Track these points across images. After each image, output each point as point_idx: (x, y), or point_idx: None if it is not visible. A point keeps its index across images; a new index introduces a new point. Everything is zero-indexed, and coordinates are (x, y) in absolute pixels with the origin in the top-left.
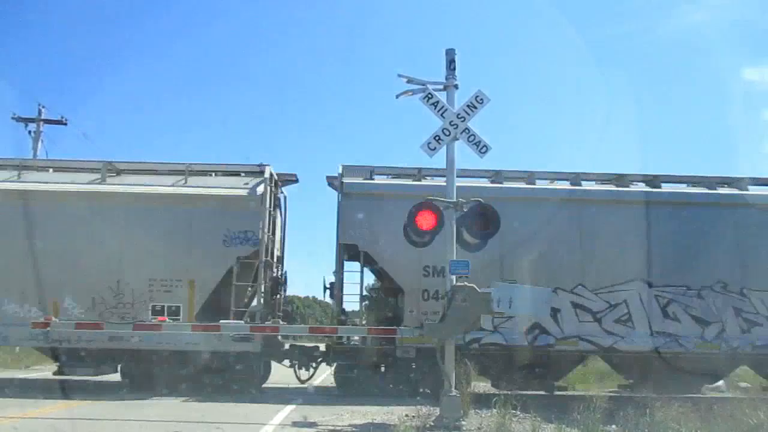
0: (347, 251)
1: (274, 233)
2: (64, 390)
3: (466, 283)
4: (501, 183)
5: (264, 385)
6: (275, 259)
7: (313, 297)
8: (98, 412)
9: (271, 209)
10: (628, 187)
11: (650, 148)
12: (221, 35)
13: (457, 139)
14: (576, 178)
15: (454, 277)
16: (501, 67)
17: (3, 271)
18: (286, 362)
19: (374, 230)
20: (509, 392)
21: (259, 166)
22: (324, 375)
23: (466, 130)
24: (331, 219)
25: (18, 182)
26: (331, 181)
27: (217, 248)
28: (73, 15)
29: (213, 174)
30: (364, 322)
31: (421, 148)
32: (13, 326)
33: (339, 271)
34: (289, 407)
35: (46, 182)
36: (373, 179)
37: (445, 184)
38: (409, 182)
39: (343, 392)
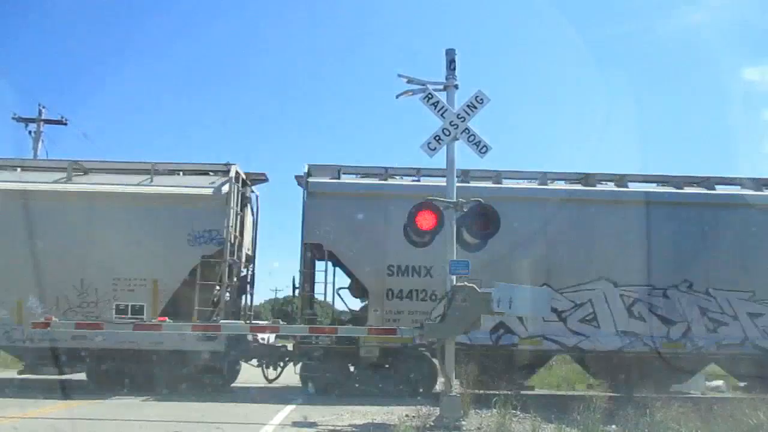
0: (314, 250)
1: (242, 233)
2: (64, 390)
3: (466, 283)
4: (468, 183)
5: (232, 385)
6: (244, 259)
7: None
8: (98, 412)
9: (238, 208)
10: (594, 186)
11: (650, 148)
12: (221, 35)
13: (457, 139)
14: (543, 178)
15: (454, 277)
16: (501, 67)
17: None
18: (254, 362)
19: (339, 229)
20: (509, 392)
21: (225, 165)
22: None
23: (466, 130)
24: None
25: None
26: (299, 180)
27: (181, 248)
28: (73, 15)
29: (181, 173)
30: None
31: (421, 148)
32: None
33: (304, 271)
34: (289, 407)
35: (11, 181)
36: (340, 178)
37: (410, 183)
38: (376, 181)
39: (311, 391)
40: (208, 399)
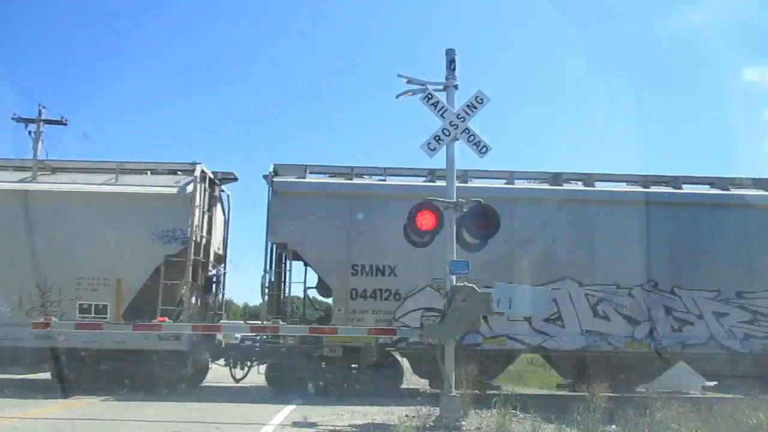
0: (280, 250)
1: (210, 232)
2: (64, 390)
3: (466, 283)
4: (433, 182)
5: (202, 384)
6: (213, 258)
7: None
8: (98, 412)
9: (205, 208)
10: (561, 185)
11: (650, 148)
12: (221, 35)
13: (457, 140)
14: (510, 177)
15: (454, 277)
16: (501, 67)
17: None
18: (221, 361)
19: (303, 229)
20: (509, 392)
21: (191, 164)
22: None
23: (466, 130)
24: None
25: None
26: (266, 179)
27: (144, 247)
28: (73, 15)
29: (149, 172)
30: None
31: (421, 149)
32: None
33: (271, 271)
34: (289, 407)
35: None
36: (306, 178)
37: (375, 182)
38: (340, 180)
39: (277, 390)
40: (208, 399)
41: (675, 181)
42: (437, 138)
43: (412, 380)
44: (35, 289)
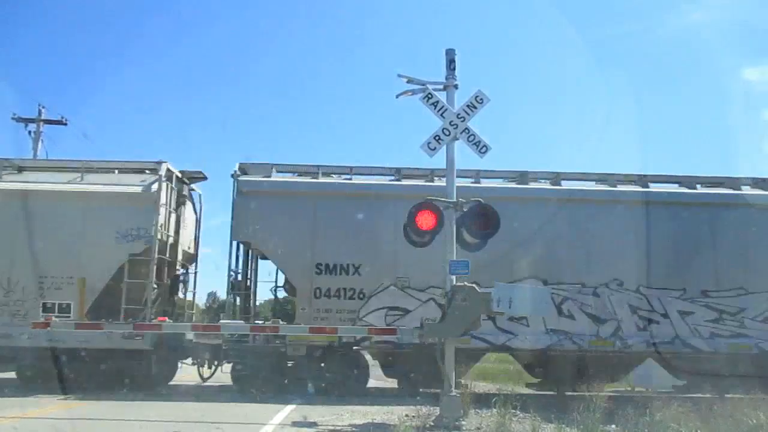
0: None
1: (178, 231)
2: (65, 390)
3: (466, 283)
4: (399, 180)
5: (170, 383)
6: (181, 257)
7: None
8: (98, 412)
9: (172, 207)
10: (527, 184)
11: (650, 148)
12: (221, 35)
13: (457, 139)
14: (477, 176)
15: (454, 277)
16: (501, 67)
17: None
18: (189, 360)
19: (267, 227)
20: (509, 392)
21: (157, 163)
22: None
23: (466, 130)
24: None
25: None
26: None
27: (108, 246)
28: (73, 15)
29: (116, 171)
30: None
31: (421, 148)
32: None
33: (237, 269)
34: (289, 407)
35: None
36: (271, 176)
37: (341, 181)
38: (305, 179)
39: (240, 389)
40: (208, 399)
41: (642, 180)
42: (437, 138)
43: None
44: None
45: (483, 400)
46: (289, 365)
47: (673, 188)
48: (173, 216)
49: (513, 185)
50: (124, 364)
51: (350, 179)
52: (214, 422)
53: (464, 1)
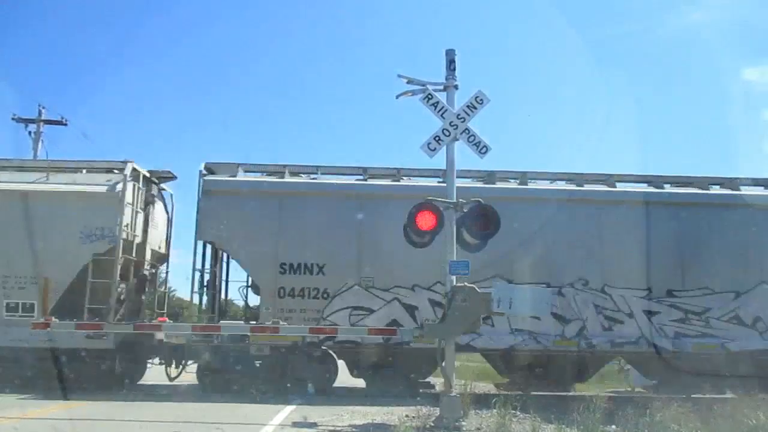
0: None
1: (146, 231)
2: (65, 390)
3: (466, 283)
4: (366, 180)
5: (139, 382)
6: (149, 257)
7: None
8: (98, 412)
9: (138, 206)
10: (494, 183)
11: (650, 148)
12: (221, 35)
13: (457, 140)
14: (443, 175)
15: (454, 278)
16: (501, 67)
17: None
18: (156, 360)
19: (232, 227)
20: (509, 392)
21: (122, 162)
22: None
23: (466, 131)
24: None
25: None
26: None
27: (72, 245)
28: (72, 15)
29: (84, 171)
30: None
31: (421, 149)
32: None
33: (203, 269)
34: (289, 407)
35: None
36: (237, 176)
37: (306, 181)
38: (270, 179)
39: (207, 390)
40: (208, 399)
41: (610, 180)
42: (437, 138)
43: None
44: None
45: (483, 401)
46: (257, 365)
47: (642, 188)
48: (140, 216)
49: (480, 185)
50: (87, 364)
51: (316, 178)
52: (214, 422)
53: (464, 1)
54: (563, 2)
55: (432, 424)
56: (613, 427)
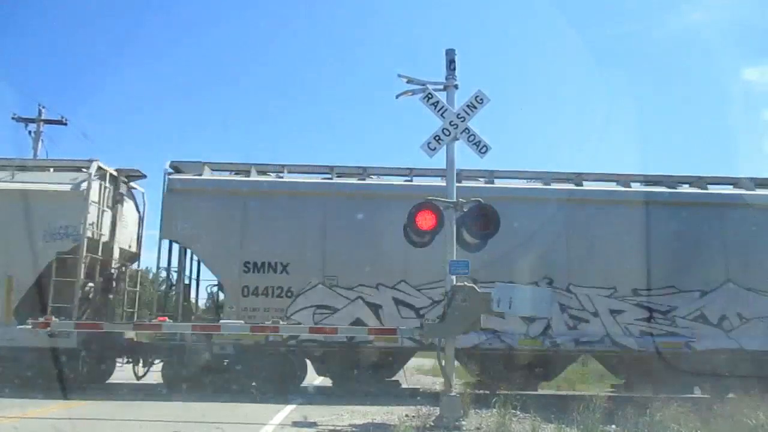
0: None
1: (114, 229)
2: (65, 390)
3: (465, 283)
4: (331, 179)
5: (107, 381)
6: (117, 256)
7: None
8: (98, 412)
9: (105, 205)
10: (461, 183)
11: (650, 148)
12: (221, 35)
13: (457, 139)
14: (410, 174)
15: (454, 277)
16: (501, 67)
17: None
18: (122, 359)
19: (196, 226)
20: (509, 392)
21: (87, 161)
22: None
23: (466, 130)
24: None
25: None
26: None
27: (35, 244)
28: (73, 15)
29: (51, 170)
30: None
31: (421, 148)
32: None
33: (169, 267)
34: (289, 407)
35: None
36: (202, 175)
37: (271, 180)
38: (238, 178)
39: (172, 389)
40: (208, 399)
41: (577, 178)
42: (437, 138)
43: (411, 380)
44: None
45: (483, 400)
46: (225, 364)
47: (608, 186)
48: (107, 214)
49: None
50: (51, 364)
51: (282, 177)
52: (214, 422)
53: (464, 1)
54: (563, 2)
55: (432, 424)
56: (613, 426)
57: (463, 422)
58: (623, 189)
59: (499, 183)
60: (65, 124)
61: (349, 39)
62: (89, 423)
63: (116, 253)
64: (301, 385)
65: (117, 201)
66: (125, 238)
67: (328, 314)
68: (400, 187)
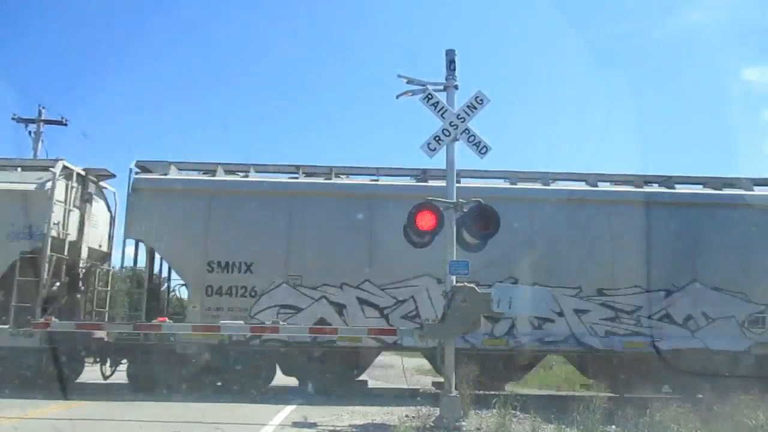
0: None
1: (82, 229)
2: (65, 391)
3: (465, 283)
4: (298, 178)
5: (78, 381)
6: (85, 255)
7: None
8: (98, 412)
9: (72, 204)
10: (426, 182)
11: (650, 148)
12: (221, 35)
13: (457, 140)
14: (377, 172)
15: (454, 278)
16: (501, 68)
17: None
18: (90, 358)
19: (160, 225)
20: (508, 392)
21: (53, 160)
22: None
23: (466, 131)
24: None
25: None
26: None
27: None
28: (72, 15)
29: (18, 169)
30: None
31: (421, 149)
32: None
33: (134, 266)
34: (290, 407)
35: None
36: (168, 174)
37: (236, 179)
38: (203, 177)
39: (135, 388)
40: (208, 399)
41: (545, 178)
42: (437, 138)
43: (412, 380)
44: None
45: (483, 401)
46: (191, 363)
47: (577, 186)
48: (75, 214)
49: (412, 182)
50: (13, 364)
51: (247, 176)
52: (213, 422)
53: (464, 1)
54: (563, 2)
55: (432, 424)
56: (613, 427)
57: (463, 423)
58: (589, 188)
59: (465, 182)
60: (65, 125)
61: (349, 39)
62: (89, 423)
63: (84, 253)
64: (269, 385)
65: (86, 200)
66: (95, 238)
67: (291, 314)
68: (365, 187)
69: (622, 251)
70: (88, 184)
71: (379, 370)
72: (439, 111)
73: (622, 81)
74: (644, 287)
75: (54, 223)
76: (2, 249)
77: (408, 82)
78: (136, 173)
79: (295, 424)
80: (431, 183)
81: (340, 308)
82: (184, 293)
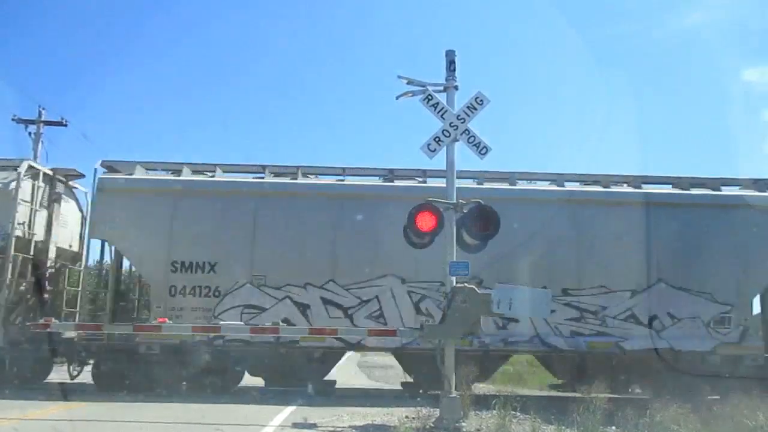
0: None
1: (49, 230)
2: (64, 391)
3: (465, 284)
4: (264, 177)
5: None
6: (53, 255)
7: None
8: (98, 413)
9: (39, 204)
10: (393, 182)
11: (650, 148)
12: (221, 35)
13: (457, 141)
14: (343, 173)
15: (453, 278)
16: (501, 68)
17: None
18: (58, 359)
19: (124, 226)
20: (508, 393)
21: (19, 160)
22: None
23: (466, 131)
24: None
25: None
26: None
27: None
28: (72, 15)
29: None
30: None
31: (421, 150)
32: None
33: (102, 265)
34: (289, 408)
35: None
36: (133, 174)
37: (201, 179)
38: (167, 177)
39: (99, 389)
40: (208, 400)
41: (511, 177)
42: (437, 139)
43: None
44: None
45: (483, 401)
46: (158, 363)
47: (542, 186)
48: (42, 213)
49: (381, 182)
50: None
51: (213, 176)
52: (213, 423)
53: (464, 1)
54: (563, 2)
55: (432, 425)
56: (613, 428)
57: (463, 423)
58: (555, 188)
59: (431, 182)
60: (65, 126)
61: (349, 39)
62: (89, 424)
63: (52, 253)
64: (238, 385)
65: (54, 200)
66: (64, 238)
67: (255, 314)
68: (330, 186)
69: (586, 251)
70: (56, 184)
71: (379, 370)
72: (439, 112)
73: (622, 81)
74: (609, 287)
75: (19, 223)
76: None
77: (408, 83)
78: (102, 173)
79: (295, 425)
80: (397, 183)
81: (304, 308)
82: None
